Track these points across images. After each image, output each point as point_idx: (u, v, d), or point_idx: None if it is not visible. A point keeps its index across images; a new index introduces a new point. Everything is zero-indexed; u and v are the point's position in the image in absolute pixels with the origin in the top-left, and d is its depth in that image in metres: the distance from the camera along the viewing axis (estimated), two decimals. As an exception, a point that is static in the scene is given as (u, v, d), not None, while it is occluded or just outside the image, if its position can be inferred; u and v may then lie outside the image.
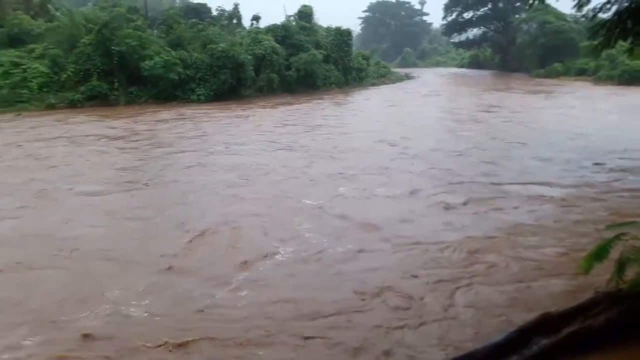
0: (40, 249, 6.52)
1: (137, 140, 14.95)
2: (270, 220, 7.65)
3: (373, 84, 39.75)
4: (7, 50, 26.46)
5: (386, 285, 5.46)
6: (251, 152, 13.07)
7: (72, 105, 23.75)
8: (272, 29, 33.57)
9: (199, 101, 25.71)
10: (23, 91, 24.28)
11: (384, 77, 44.47)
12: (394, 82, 43.79)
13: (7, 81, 24.54)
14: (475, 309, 4.93)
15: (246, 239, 6.85)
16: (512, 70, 52.87)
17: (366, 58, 42.45)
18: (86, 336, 4.42)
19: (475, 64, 66.33)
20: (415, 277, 5.67)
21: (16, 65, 25.39)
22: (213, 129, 17.39)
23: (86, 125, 18.46)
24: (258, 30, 33.68)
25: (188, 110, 22.44)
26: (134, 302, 5.05)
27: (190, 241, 6.74)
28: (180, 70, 26.12)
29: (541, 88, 33.86)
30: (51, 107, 23.40)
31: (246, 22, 38.45)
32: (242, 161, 11.89)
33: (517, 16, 57.34)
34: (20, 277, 5.73)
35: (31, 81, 24.73)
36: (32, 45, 27.08)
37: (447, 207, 8.27)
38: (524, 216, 7.78)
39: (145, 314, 4.84)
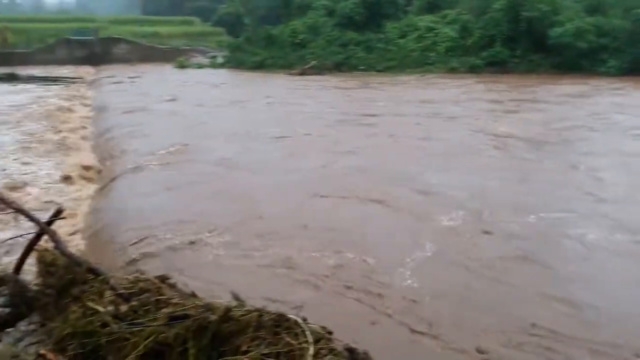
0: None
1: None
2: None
3: None
4: (425, 16, 28.88)
5: None
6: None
7: (472, 70, 24.29)
8: None
9: (608, 74, 22.37)
10: (431, 54, 26.29)
11: None
12: None
13: (420, 44, 26.96)
14: None
15: None
16: None
17: None
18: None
19: None
20: None
21: (430, 29, 27.57)
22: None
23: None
24: None
25: (598, 84, 19.68)
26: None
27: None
28: (592, 38, 23.19)
29: None
30: (452, 71, 24.54)
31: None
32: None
33: None
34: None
35: (439, 45, 26.49)
36: (446, 11, 28.81)
37: None
38: None
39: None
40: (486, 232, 5.66)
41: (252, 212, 6.24)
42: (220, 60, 31.85)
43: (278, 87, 21.26)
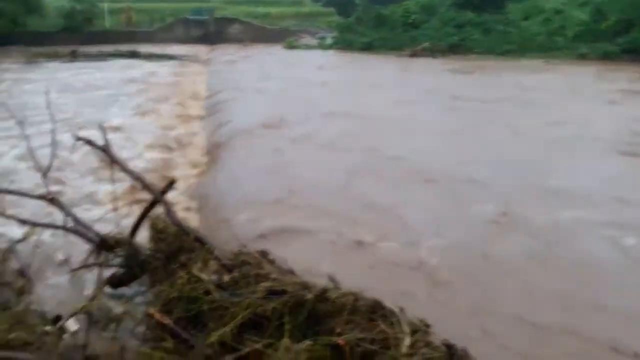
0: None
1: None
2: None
3: None
4: (553, -2, 27.07)
5: None
6: None
7: (605, 57, 22.28)
8: None
9: None
10: (558, 38, 24.54)
11: None
12: None
13: (546, 27, 25.29)
14: None
15: None
16: None
17: None
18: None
19: None
20: None
21: (558, 12, 25.77)
22: None
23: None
24: None
25: None
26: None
27: None
28: None
29: None
30: (581, 58, 22.71)
31: None
32: None
33: None
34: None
35: (568, 29, 24.62)
36: (581, -8, 26.74)
37: None
38: None
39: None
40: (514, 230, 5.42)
41: (313, 183, 6.81)
42: (328, 41, 32.16)
43: (383, 69, 21.21)
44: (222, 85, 16.16)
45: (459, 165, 7.65)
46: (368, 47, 28.28)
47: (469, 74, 19.04)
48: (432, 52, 25.06)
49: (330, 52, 29.02)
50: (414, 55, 24.68)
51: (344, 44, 30.06)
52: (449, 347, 2.37)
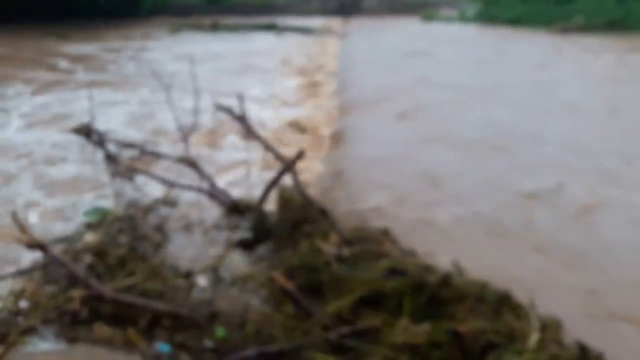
0: None
1: None
2: None
3: None
4: None
5: None
6: None
7: None
8: None
9: None
10: None
11: None
12: None
13: None
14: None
15: None
16: None
17: None
18: None
19: None
20: None
21: None
22: None
23: None
24: None
25: None
26: None
27: None
28: None
29: None
30: None
31: None
32: None
33: None
34: None
35: None
36: None
37: None
38: None
39: None
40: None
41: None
42: (470, 13, 30.83)
43: (524, 45, 19.99)
44: (352, 59, 16.33)
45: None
46: (514, 21, 26.64)
47: (622, 53, 17.19)
48: (587, 28, 22.92)
49: (471, 26, 27.83)
50: (565, 31, 22.81)
51: (487, 17, 28.65)
52: (582, 348, 2.23)
